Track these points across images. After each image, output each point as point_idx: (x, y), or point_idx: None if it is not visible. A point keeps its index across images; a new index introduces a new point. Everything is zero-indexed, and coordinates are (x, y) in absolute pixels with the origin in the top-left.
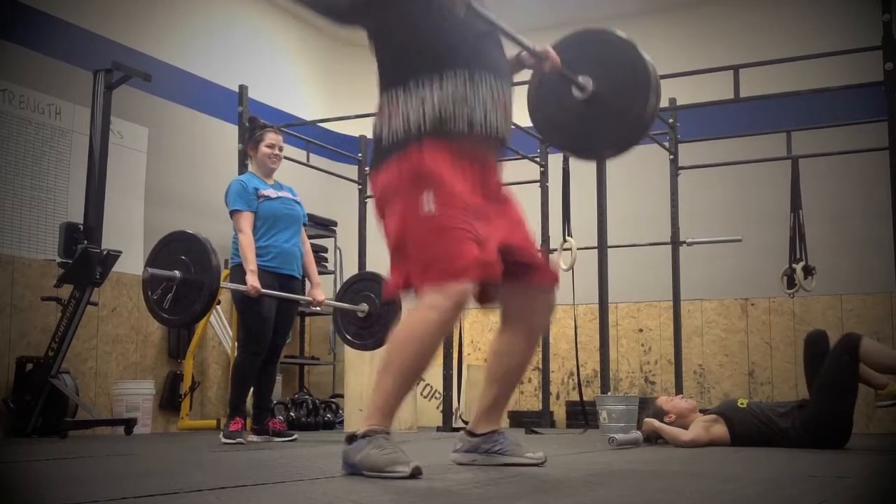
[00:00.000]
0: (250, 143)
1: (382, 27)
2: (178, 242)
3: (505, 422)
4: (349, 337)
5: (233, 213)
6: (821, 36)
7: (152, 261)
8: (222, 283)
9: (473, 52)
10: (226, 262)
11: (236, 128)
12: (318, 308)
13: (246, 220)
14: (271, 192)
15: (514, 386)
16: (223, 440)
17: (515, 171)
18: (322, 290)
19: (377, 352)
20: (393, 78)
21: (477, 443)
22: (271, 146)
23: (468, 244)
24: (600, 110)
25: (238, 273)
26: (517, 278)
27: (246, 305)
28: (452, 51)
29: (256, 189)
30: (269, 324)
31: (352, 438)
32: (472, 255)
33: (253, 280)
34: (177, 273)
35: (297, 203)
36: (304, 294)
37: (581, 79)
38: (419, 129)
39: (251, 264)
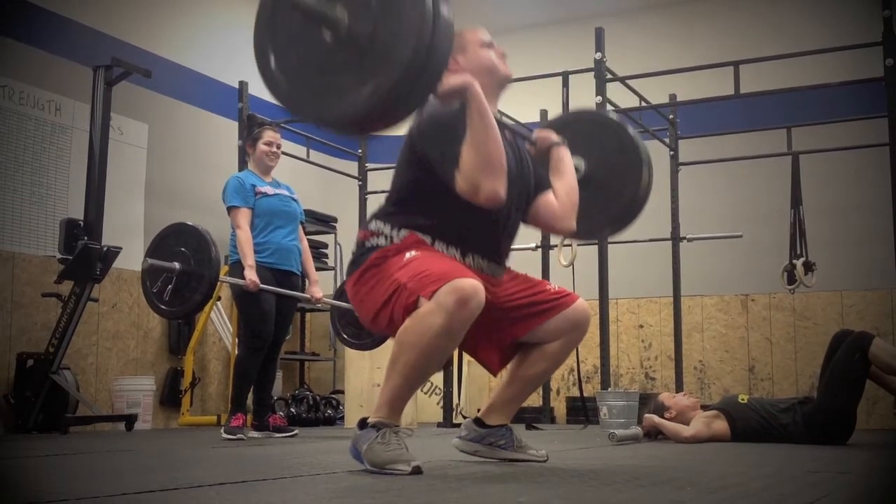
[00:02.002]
0: (248, 140)
1: (417, 167)
2: (177, 234)
3: None
4: (346, 337)
5: (230, 209)
6: (821, 32)
7: (151, 252)
8: (221, 277)
9: (475, 238)
10: (225, 258)
11: (237, 124)
12: (318, 305)
13: (243, 216)
14: (268, 189)
15: (537, 387)
16: (224, 436)
17: None
18: (320, 287)
19: (377, 349)
20: (393, 216)
21: (483, 434)
22: (269, 144)
23: (453, 260)
24: (594, 190)
25: (237, 270)
26: (551, 312)
27: (246, 301)
28: (451, 229)
29: (253, 185)
30: (270, 319)
31: (363, 424)
32: (459, 264)
33: (251, 275)
34: (176, 265)
35: (295, 201)
36: (302, 290)
37: (574, 160)
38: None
39: (249, 259)
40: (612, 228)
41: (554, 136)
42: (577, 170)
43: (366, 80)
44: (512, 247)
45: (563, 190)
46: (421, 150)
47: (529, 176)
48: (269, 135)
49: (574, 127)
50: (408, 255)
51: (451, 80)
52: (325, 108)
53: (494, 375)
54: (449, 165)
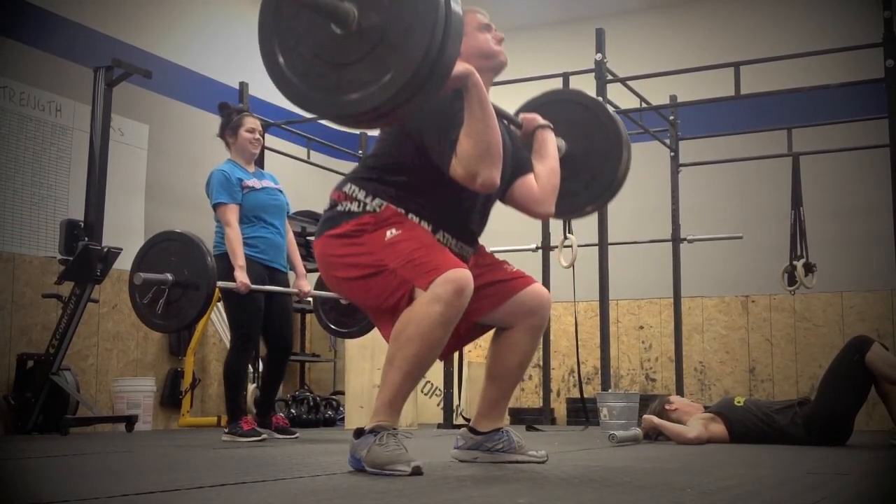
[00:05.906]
0: (228, 129)
1: (401, 144)
2: (166, 243)
3: (505, 419)
4: (332, 325)
5: (217, 205)
6: (822, 33)
7: (139, 264)
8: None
9: (447, 215)
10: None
11: None
12: (310, 300)
13: (232, 213)
14: (255, 183)
15: (516, 384)
16: (240, 440)
17: None
18: (308, 281)
19: (378, 349)
20: (368, 182)
21: (480, 440)
22: (251, 130)
23: (437, 244)
24: (575, 169)
25: (223, 264)
26: (502, 295)
27: (236, 300)
28: (424, 204)
29: (240, 180)
30: (260, 317)
31: (359, 433)
32: (446, 251)
33: (242, 276)
34: (168, 276)
35: (281, 192)
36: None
37: (556, 140)
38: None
39: (240, 260)
40: (592, 207)
41: (540, 119)
42: (558, 149)
43: (381, 74)
44: (483, 227)
45: (544, 172)
46: (414, 132)
47: (508, 157)
48: (250, 121)
49: (553, 107)
50: (388, 233)
51: None
52: (341, 104)
53: (442, 360)
54: (446, 151)
